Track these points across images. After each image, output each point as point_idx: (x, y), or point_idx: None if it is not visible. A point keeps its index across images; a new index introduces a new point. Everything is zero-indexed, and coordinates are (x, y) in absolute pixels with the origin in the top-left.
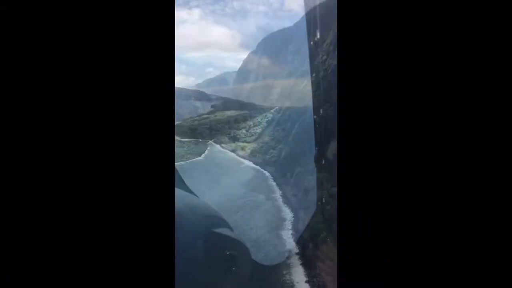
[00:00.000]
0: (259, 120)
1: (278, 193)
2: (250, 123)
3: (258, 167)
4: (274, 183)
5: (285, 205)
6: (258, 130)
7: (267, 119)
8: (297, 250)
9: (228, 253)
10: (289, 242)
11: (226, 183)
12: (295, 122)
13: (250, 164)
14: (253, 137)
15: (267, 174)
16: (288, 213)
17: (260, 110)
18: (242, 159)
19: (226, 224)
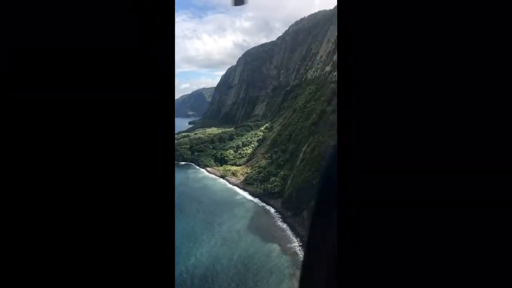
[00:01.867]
0: (248, 139)
1: (296, 242)
2: (238, 142)
3: (257, 199)
4: (285, 226)
5: None
6: (249, 150)
7: (257, 138)
8: None
9: None
10: None
11: (227, 227)
12: (301, 142)
13: (247, 195)
14: (244, 159)
15: (272, 210)
16: None
17: (247, 127)
18: (236, 188)
19: None
